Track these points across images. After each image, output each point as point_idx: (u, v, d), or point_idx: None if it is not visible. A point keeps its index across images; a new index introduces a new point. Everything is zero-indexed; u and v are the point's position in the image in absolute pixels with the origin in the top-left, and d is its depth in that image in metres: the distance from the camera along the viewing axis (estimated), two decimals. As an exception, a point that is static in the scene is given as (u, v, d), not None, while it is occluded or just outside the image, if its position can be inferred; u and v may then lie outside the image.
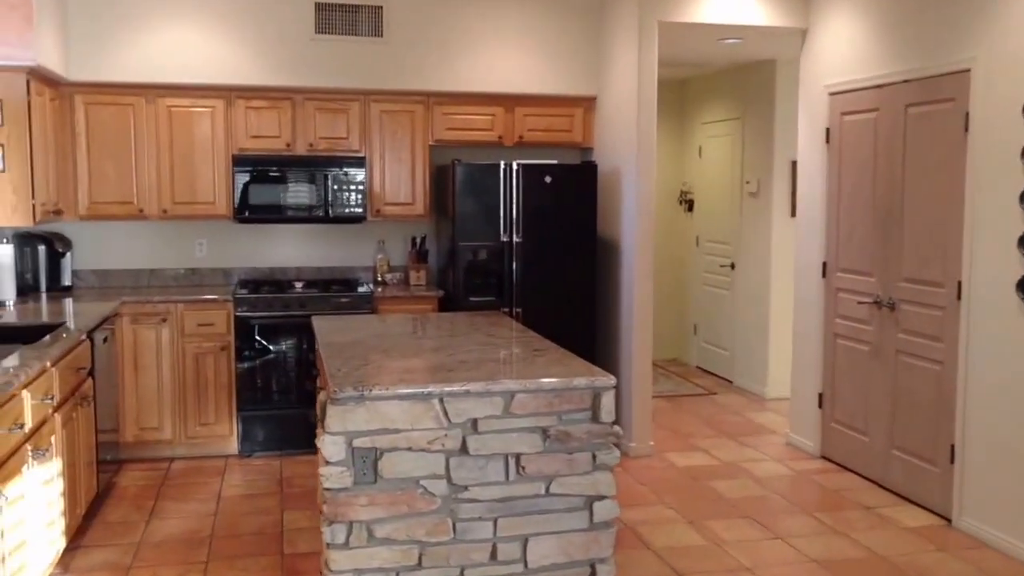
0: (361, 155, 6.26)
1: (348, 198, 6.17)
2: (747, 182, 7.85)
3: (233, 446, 5.95)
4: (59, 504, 4.00)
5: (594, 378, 3.29)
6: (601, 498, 3.30)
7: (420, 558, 3.16)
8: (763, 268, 7.64)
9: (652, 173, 5.97)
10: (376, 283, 6.53)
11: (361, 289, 6.14)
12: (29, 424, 3.56)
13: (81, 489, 4.49)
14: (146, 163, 6.04)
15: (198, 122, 6.07)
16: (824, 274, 5.93)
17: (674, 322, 8.97)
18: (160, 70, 5.95)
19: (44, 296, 5.91)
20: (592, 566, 3.31)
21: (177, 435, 5.88)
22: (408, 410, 3.13)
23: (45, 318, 4.94)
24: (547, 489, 3.25)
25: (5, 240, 5.48)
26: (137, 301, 5.79)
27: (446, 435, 3.16)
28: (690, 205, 8.90)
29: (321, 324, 4.55)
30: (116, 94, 5.96)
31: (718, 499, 5.20)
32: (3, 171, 5.18)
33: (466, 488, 3.19)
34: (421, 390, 3.13)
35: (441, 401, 3.15)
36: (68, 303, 5.58)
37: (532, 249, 6.07)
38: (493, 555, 3.22)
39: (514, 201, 6.02)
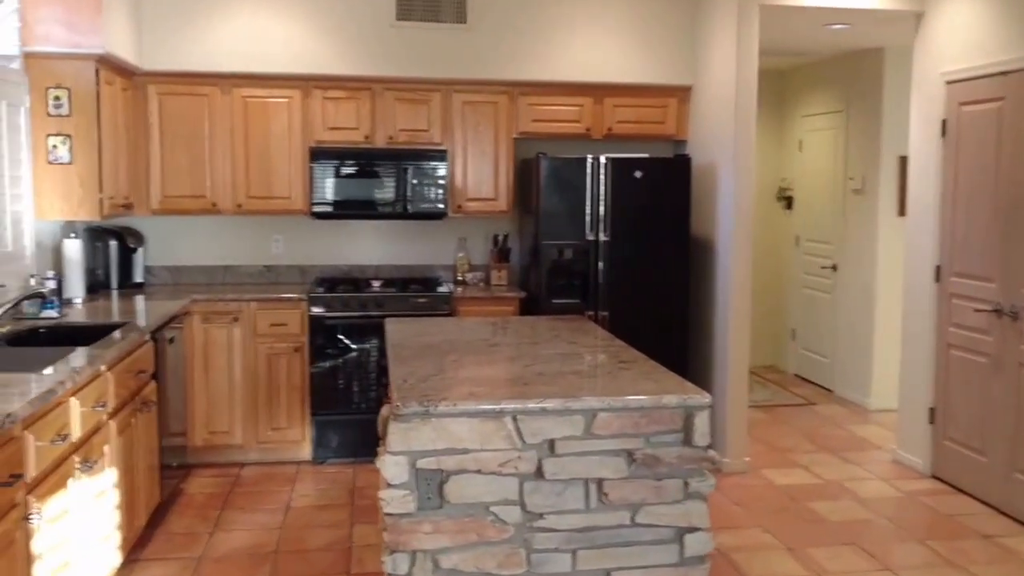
0: (442, 148, 5.97)
1: (428, 193, 5.88)
2: (851, 178, 7.31)
3: (306, 452, 5.72)
4: (113, 517, 3.78)
5: (687, 396, 2.92)
6: (693, 530, 2.93)
7: (490, 594, 2.84)
8: (868, 270, 7.10)
9: (751, 167, 5.54)
10: (456, 283, 6.24)
11: (440, 289, 5.85)
12: (77, 434, 3.34)
13: (141, 499, 4.29)
14: (220, 156, 5.85)
15: (274, 113, 5.86)
16: (937, 278, 5.41)
17: (770, 326, 8.47)
18: (236, 58, 5.76)
19: (115, 293, 5.76)
20: (683, 607, 2.94)
21: (248, 440, 5.67)
22: (478, 428, 2.80)
23: (112, 317, 4.76)
24: (632, 519, 2.90)
25: (73, 235, 5.34)
26: (208, 300, 5.60)
27: (520, 457, 2.83)
28: (789, 202, 8.38)
29: (393, 328, 4.27)
30: (191, 84, 5.79)
31: (819, 522, 4.75)
32: (70, 163, 5.04)
33: (542, 516, 2.85)
34: (492, 407, 2.80)
35: (514, 419, 2.82)
36: (139, 300, 5.42)
37: (620, 248, 5.69)
38: (571, 592, 2.88)
39: (602, 197, 5.65)
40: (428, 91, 5.95)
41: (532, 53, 5.99)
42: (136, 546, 4.33)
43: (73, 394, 3.31)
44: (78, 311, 4.96)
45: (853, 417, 6.87)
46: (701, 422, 2.90)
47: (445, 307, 5.70)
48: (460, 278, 6.26)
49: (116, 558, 3.84)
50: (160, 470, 4.67)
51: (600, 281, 5.69)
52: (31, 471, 2.87)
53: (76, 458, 3.32)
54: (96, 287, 5.80)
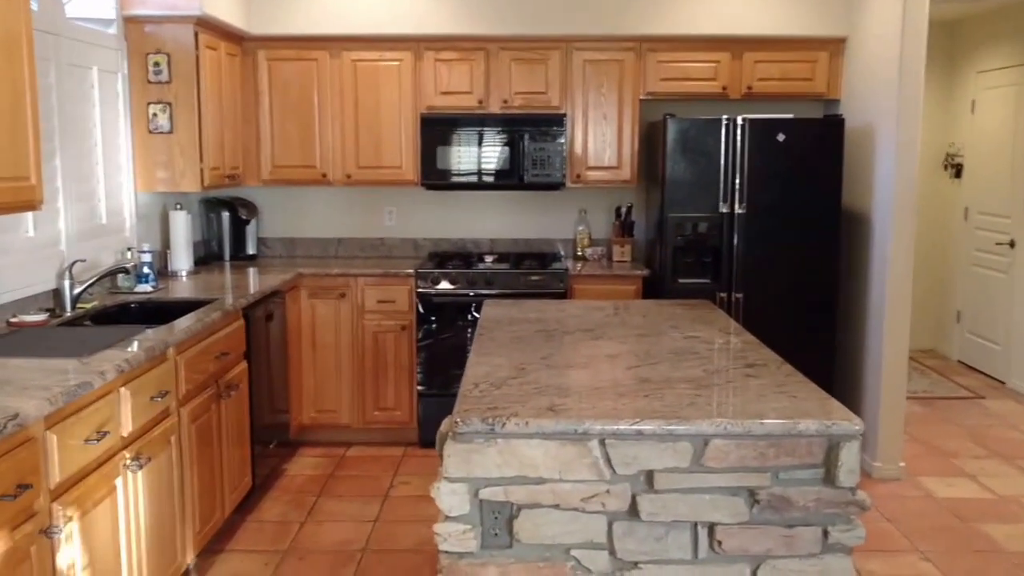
0: (561, 112, 5.45)
1: (546, 161, 5.38)
2: (1038, 141, 6.36)
3: (413, 434, 5.39)
4: (179, 515, 3.50)
5: (831, 421, 2.32)
6: (832, 591, 2.35)
7: (570, 654, 2.37)
8: (1055, 247, 6.18)
9: (917, 130, 4.77)
10: (576, 258, 5.74)
11: (555, 266, 5.36)
12: (128, 428, 3.05)
13: (225, 488, 4.02)
14: (330, 125, 5.53)
15: (384, 78, 5.48)
16: None
17: (931, 307, 7.58)
18: (345, 20, 5.40)
19: (228, 265, 5.57)
20: None
21: (355, 419, 5.38)
22: (556, 453, 2.32)
23: (212, 291, 4.51)
24: (753, 574, 2.35)
25: (179, 206, 5.12)
26: (315, 274, 5.30)
27: (608, 491, 2.32)
28: (958, 170, 7.45)
29: (489, 312, 3.83)
30: (299, 48, 5.47)
31: (994, 552, 4.03)
32: (170, 132, 4.82)
33: (636, 566, 2.35)
34: (574, 427, 2.30)
35: (602, 443, 2.31)
36: (247, 274, 5.18)
37: (758, 222, 5.05)
38: (671, 658, 2.37)
39: (738, 164, 5.01)
40: (546, 49, 5.43)
41: (662, 3, 5.36)
42: (222, 535, 4.10)
43: (125, 384, 3.02)
44: (181, 285, 4.77)
45: (1031, 416, 6.01)
46: (848, 455, 2.30)
47: (559, 286, 5.21)
48: (580, 253, 5.75)
49: (186, 557, 3.57)
50: (252, 454, 4.41)
51: (734, 259, 5.07)
52: (54, 476, 2.57)
53: (127, 455, 3.03)
54: (209, 259, 5.67)
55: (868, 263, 5.04)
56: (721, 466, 2.31)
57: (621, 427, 2.30)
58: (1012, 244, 6.63)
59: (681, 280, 5.09)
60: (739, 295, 5.07)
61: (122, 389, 3.01)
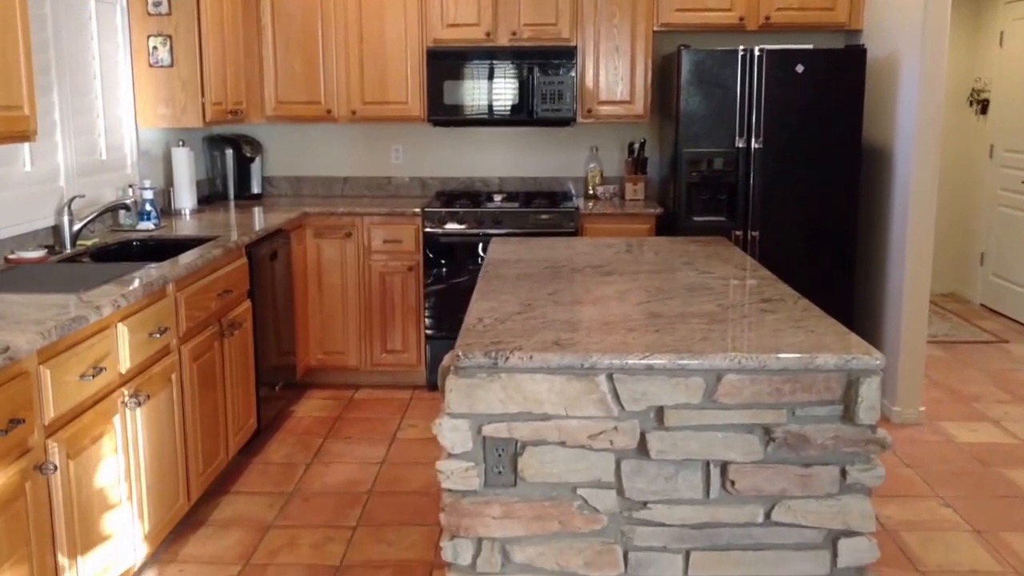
0: (571, 44, 5.26)
1: (556, 96, 5.21)
2: (1070, 74, 6.13)
3: (421, 376, 5.30)
4: (181, 455, 3.42)
5: (850, 355, 2.19)
6: (851, 534, 2.23)
7: (575, 596, 2.28)
8: (1084, 185, 5.98)
9: (942, 61, 4.57)
10: (587, 196, 5.59)
11: (566, 205, 5.21)
12: (127, 364, 2.96)
13: (230, 429, 3.95)
14: (334, 59, 5.36)
15: (390, 10, 5.29)
16: None
17: (953, 248, 7.41)
18: (348, -53, 5.21)
19: (232, 204, 5.46)
20: (829, 628, 2.29)
21: (363, 362, 5.29)
22: (562, 389, 2.20)
23: (215, 229, 4.40)
24: (767, 515, 2.23)
25: (181, 142, 4.99)
26: (320, 213, 5.18)
27: (616, 428, 2.21)
28: (983, 106, 7.21)
29: (497, 249, 3.71)
30: (302, -22, 5.30)
31: (1016, 498, 3.91)
32: (171, 66, 4.67)
33: (645, 505, 2.24)
34: (580, 361, 2.18)
35: (610, 378, 2.20)
36: (251, 212, 5.08)
37: (775, 158, 4.88)
38: (681, 601, 2.28)
39: (755, 97, 4.83)
40: (558, -24, 5.23)
41: (679, -72, 5.15)
42: (227, 476, 4.04)
43: (122, 319, 2.93)
44: (184, 223, 4.67)
45: (1057, 360, 5.86)
46: (868, 391, 2.18)
47: (570, 225, 5.07)
48: (591, 192, 5.60)
49: (189, 496, 3.50)
50: (257, 395, 4.33)
51: (750, 196, 4.91)
52: (49, 412, 2.49)
53: (125, 391, 2.94)
54: (213, 198, 5.55)
55: (889, 201, 4.87)
56: (735, 402, 2.19)
57: (630, 361, 2.18)
58: (1039, 183, 6.45)
59: (696, 218, 4.94)
60: (755, 233, 4.92)
61: (119, 325, 2.92)
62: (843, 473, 2.22)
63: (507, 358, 2.18)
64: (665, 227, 5.10)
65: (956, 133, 7.26)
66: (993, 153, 7.07)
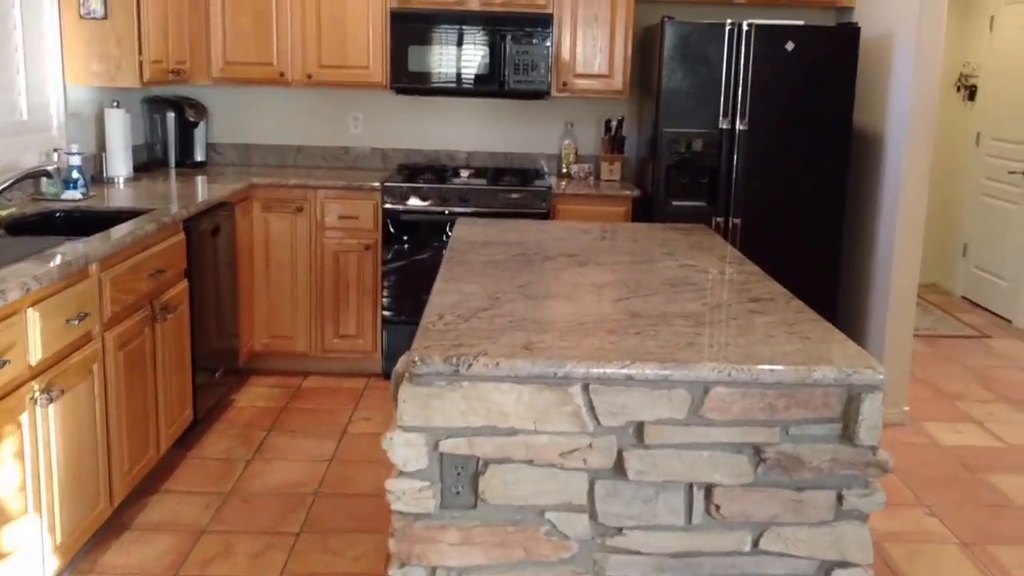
0: (547, 11, 4.92)
1: (530, 66, 4.87)
2: (1063, 62, 5.89)
3: (377, 364, 4.97)
4: (103, 454, 3.07)
5: (851, 369, 1.92)
6: (846, 565, 1.98)
7: (539, 636, 1.98)
8: (1074, 178, 5.75)
9: (939, 43, 4.31)
10: (560, 175, 5.27)
11: (538, 183, 4.90)
12: (38, 356, 2.61)
13: (161, 422, 3.59)
14: (288, 16, 4.97)
15: (351, -35, 4.93)
16: None
17: (936, 238, 7.16)
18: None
19: (173, 172, 5.06)
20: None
21: (313, 347, 4.94)
22: (531, 400, 1.90)
23: (152, 201, 4.01)
24: (755, 543, 1.97)
25: (115, 104, 4.60)
26: (269, 185, 4.81)
27: (591, 445, 1.92)
28: (971, 92, 6.98)
29: (462, 231, 3.38)
30: (254, -73, 4.90)
31: (1004, 507, 3.68)
32: (104, 17, 4.27)
33: (620, 531, 1.96)
34: (553, 369, 1.88)
35: (586, 390, 1.90)
36: (194, 182, 4.71)
37: (761, 140, 4.58)
38: (659, 641, 2.00)
39: (741, 75, 4.52)
40: (533, -63, 4.89)
41: None
42: (158, 474, 3.69)
43: (33, 304, 2.58)
44: (117, 193, 4.28)
45: (1040, 358, 5.64)
46: (870, 409, 1.92)
47: (542, 205, 4.75)
48: (565, 170, 5.28)
49: (111, 499, 3.15)
50: (193, 384, 3.98)
51: (733, 180, 4.62)
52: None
53: (35, 386, 2.60)
54: (152, 165, 5.14)
55: (879, 190, 4.61)
56: (723, 418, 1.92)
57: (608, 371, 1.89)
58: (1027, 173, 6.22)
59: (675, 202, 4.64)
60: (737, 220, 4.64)
61: (29, 311, 2.57)
62: (839, 498, 1.97)
63: (470, 364, 1.88)
64: (642, 211, 4.80)
65: (942, 120, 6.98)
66: (980, 141, 6.84)
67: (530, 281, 2.61)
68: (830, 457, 1.94)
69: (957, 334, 6.06)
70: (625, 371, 1.89)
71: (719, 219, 4.62)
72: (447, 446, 1.92)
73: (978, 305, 6.76)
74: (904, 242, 4.44)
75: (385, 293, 4.85)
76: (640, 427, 1.91)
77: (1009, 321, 6.34)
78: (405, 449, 1.93)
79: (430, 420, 1.91)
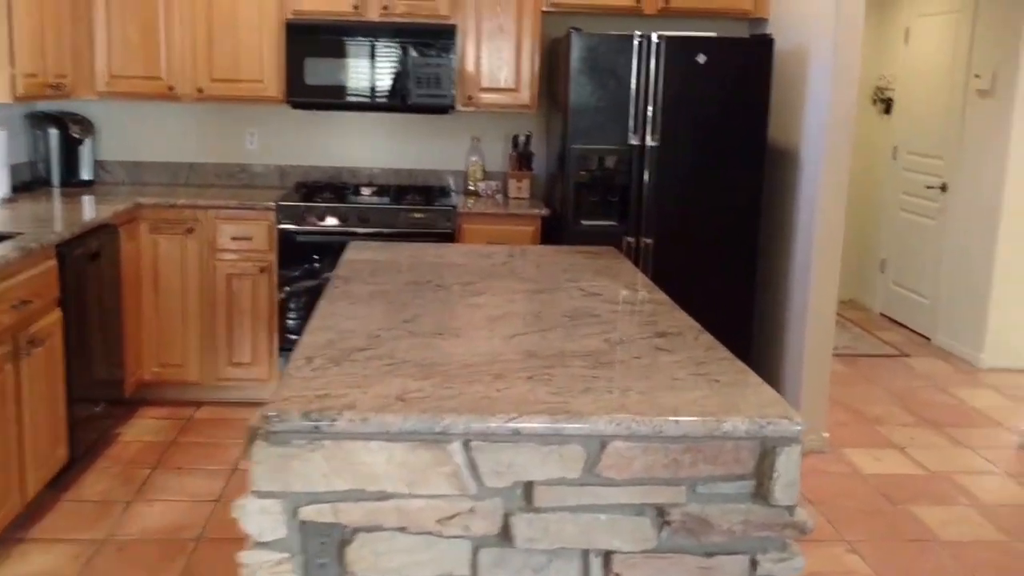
0: (451, 22, 4.69)
1: (433, 80, 4.64)
2: (976, 76, 5.85)
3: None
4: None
5: (765, 420, 1.73)
6: (762, 641, 1.78)
7: None
8: (992, 192, 5.69)
9: (856, 56, 4.19)
10: (467, 193, 5.04)
11: (442, 202, 4.66)
12: None
13: (27, 466, 3.26)
14: (178, 27, 4.67)
15: (243, -26, 4.64)
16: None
17: (854, 254, 7.13)
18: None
19: (56, 192, 4.72)
20: None
21: (205, 376, 4.63)
22: (404, 460, 1.66)
23: (23, 224, 3.68)
24: (660, 617, 1.75)
25: (-12, 120, 4.25)
26: (156, 205, 4.49)
27: (473, 510, 1.69)
28: (887, 106, 6.96)
29: (352, 256, 3.17)
30: (141, -68, 4.58)
31: (929, 542, 3.53)
32: (-31, 27, 3.91)
33: (508, 608, 1.72)
34: (429, 425, 1.65)
35: (467, 447, 1.67)
36: (83, 201, 4.42)
37: (672, 156, 4.42)
38: None
39: (651, 89, 4.36)
40: (436, -55, 4.66)
41: (572, -101, 4.64)
42: (25, 521, 3.36)
43: None
44: (-11, 215, 3.92)
45: (960, 377, 5.55)
46: (787, 464, 1.73)
47: (447, 224, 4.52)
48: (472, 188, 5.05)
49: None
50: (69, 421, 3.64)
51: (644, 199, 4.44)
52: None
53: None
54: (36, 184, 4.79)
55: (794, 207, 4.48)
56: (622, 477, 1.71)
57: (492, 425, 1.66)
58: (944, 188, 6.17)
59: (584, 222, 4.44)
60: (648, 240, 4.46)
61: None
62: (753, 564, 1.78)
63: (333, 421, 1.63)
64: (551, 230, 4.59)
65: (859, 133, 6.95)
66: (897, 155, 6.82)
67: (417, 315, 2.36)
68: (742, 519, 1.73)
69: (876, 353, 5.98)
70: (511, 425, 1.66)
71: (630, 239, 4.44)
72: (308, 513, 1.67)
73: (896, 322, 6.71)
74: (822, 259, 4.31)
75: (281, 318, 4.56)
76: (529, 488, 1.69)
77: (928, 339, 6.29)
78: (260, 517, 1.67)
79: (288, 484, 1.66)
